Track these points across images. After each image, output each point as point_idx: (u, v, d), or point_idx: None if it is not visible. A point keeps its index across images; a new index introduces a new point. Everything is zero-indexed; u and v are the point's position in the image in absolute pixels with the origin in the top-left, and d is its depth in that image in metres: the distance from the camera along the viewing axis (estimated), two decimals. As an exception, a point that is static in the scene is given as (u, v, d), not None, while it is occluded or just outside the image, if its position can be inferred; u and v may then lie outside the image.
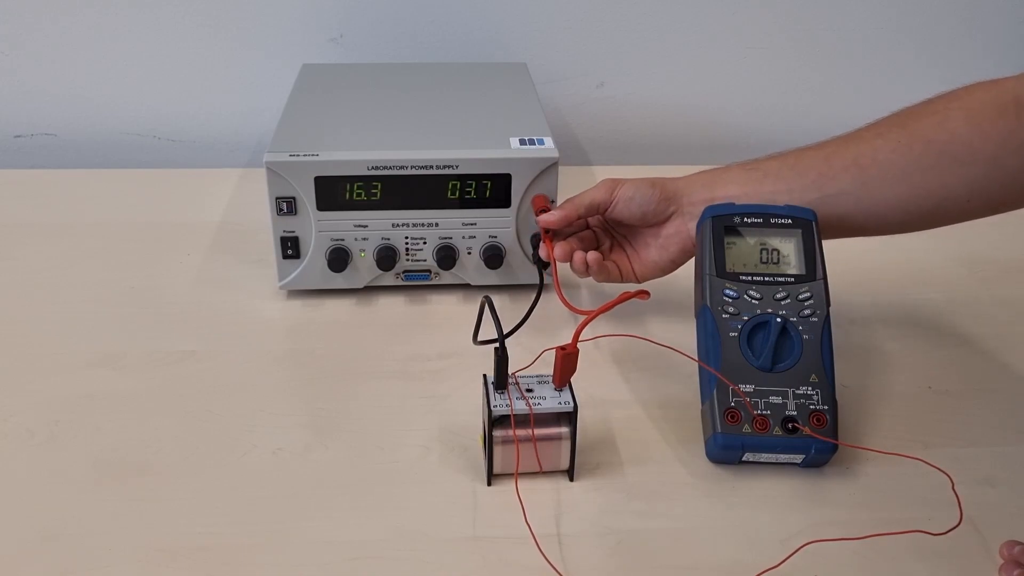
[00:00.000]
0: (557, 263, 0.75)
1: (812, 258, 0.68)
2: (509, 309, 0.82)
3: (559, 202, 0.80)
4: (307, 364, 0.75)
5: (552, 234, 0.77)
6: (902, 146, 0.68)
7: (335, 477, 0.63)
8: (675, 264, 0.76)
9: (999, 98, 0.67)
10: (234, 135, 1.14)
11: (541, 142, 0.80)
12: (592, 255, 0.74)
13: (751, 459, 0.63)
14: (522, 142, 0.80)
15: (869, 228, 0.72)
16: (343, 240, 0.80)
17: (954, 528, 0.57)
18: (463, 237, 0.81)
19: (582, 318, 0.61)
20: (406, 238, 0.80)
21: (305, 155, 0.76)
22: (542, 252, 0.77)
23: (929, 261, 0.91)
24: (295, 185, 0.77)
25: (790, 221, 0.69)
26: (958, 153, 0.67)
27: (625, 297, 0.69)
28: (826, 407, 0.63)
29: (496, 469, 0.62)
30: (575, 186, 1.01)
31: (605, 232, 0.79)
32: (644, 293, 0.67)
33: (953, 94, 0.69)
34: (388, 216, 0.79)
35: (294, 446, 0.66)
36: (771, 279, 0.67)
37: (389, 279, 0.82)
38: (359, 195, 0.78)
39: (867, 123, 0.72)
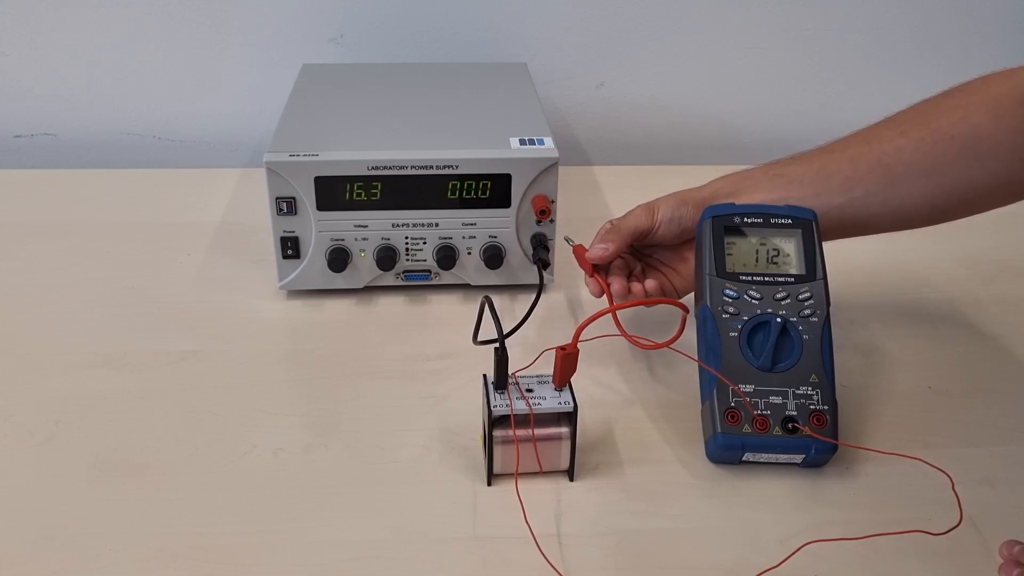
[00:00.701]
0: (611, 298, 0.72)
1: (812, 258, 0.68)
2: (509, 309, 0.82)
3: (558, 203, 0.80)
4: (307, 364, 0.75)
5: (601, 270, 0.74)
6: (926, 144, 0.68)
7: (335, 477, 0.63)
8: None
9: (1017, 88, 0.67)
10: (234, 135, 1.14)
11: (541, 142, 0.80)
12: (651, 283, 0.73)
13: (751, 459, 0.63)
14: (522, 142, 0.80)
15: (895, 226, 0.72)
16: (343, 240, 0.80)
17: (954, 528, 0.57)
18: (463, 237, 0.81)
19: (582, 319, 0.61)
20: (406, 238, 0.81)
21: (305, 155, 0.76)
22: (593, 289, 0.74)
23: (929, 261, 0.91)
24: (295, 185, 0.77)
25: (790, 221, 0.69)
26: (982, 147, 0.67)
27: (660, 301, 0.70)
28: (826, 407, 0.63)
29: (496, 469, 0.62)
30: (575, 186, 1.01)
31: (634, 256, 0.78)
32: (684, 307, 0.68)
33: (970, 87, 0.69)
34: (388, 216, 0.79)
35: (294, 446, 0.66)
36: (771, 279, 0.67)
37: (389, 279, 0.82)
38: (359, 195, 0.78)
39: (884, 118, 0.71)
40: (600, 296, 0.73)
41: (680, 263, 0.76)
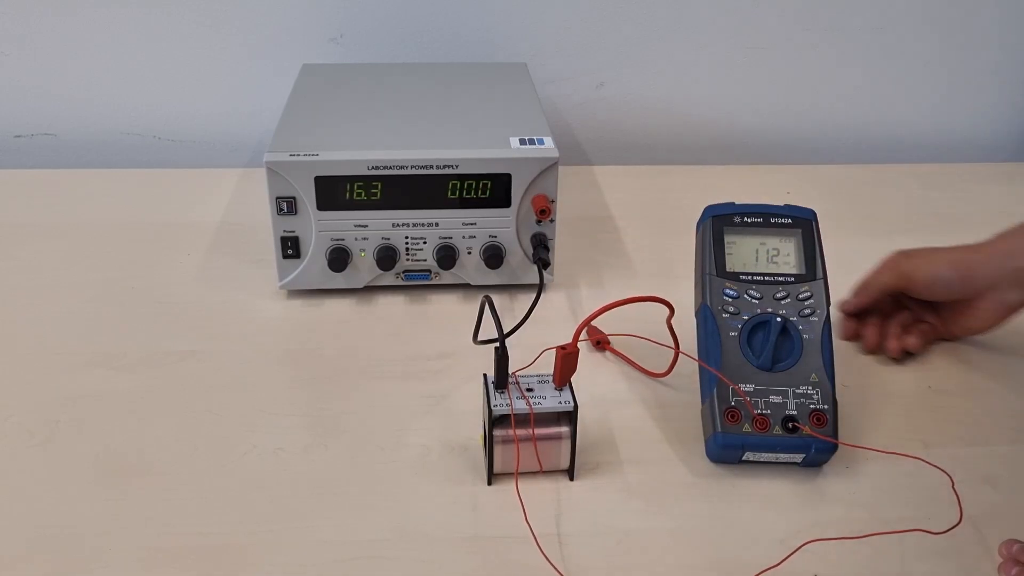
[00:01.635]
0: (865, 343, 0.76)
1: (812, 257, 0.68)
2: (509, 309, 0.82)
3: (558, 203, 0.80)
4: (307, 364, 0.75)
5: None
6: None
7: (335, 477, 0.63)
8: (996, 326, 0.73)
9: None
10: (234, 135, 1.14)
11: (541, 142, 0.80)
12: (892, 344, 0.74)
13: (751, 459, 0.63)
14: (522, 142, 0.80)
15: None
16: (343, 240, 0.80)
17: (954, 527, 0.57)
18: (463, 237, 0.81)
19: (583, 318, 0.61)
20: (406, 238, 0.81)
21: (305, 155, 0.76)
22: (844, 333, 0.76)
23: (929, 261, 0.91)
24: (295, 185, 0.77)
25: (790, 221, 0.69)
26: None
27: (641, 299, 0.70)
28: (826, 406, 0.63)
29: (496, 469, 0.62)
30: (575, 186, 1.01)
31: (897, 302, 0.77)
32: (666, 302, 0.68)
33: None
34: (388, 216, 0.79)
35: (294, 446, 0.66)
36: (771, 278, 0.67)
37: (389, 279, 0.82)
38: (359, 195, 0.78)
39: None
40: (851, 338, 0.76)
41: (949, 315, 0.74)
